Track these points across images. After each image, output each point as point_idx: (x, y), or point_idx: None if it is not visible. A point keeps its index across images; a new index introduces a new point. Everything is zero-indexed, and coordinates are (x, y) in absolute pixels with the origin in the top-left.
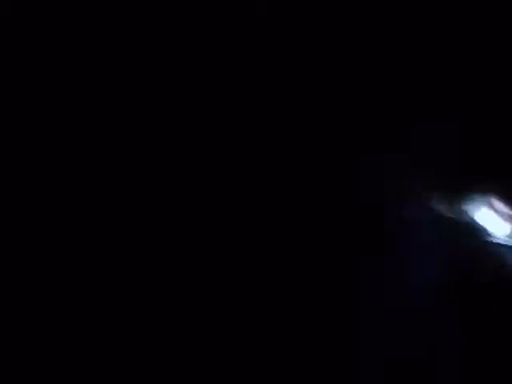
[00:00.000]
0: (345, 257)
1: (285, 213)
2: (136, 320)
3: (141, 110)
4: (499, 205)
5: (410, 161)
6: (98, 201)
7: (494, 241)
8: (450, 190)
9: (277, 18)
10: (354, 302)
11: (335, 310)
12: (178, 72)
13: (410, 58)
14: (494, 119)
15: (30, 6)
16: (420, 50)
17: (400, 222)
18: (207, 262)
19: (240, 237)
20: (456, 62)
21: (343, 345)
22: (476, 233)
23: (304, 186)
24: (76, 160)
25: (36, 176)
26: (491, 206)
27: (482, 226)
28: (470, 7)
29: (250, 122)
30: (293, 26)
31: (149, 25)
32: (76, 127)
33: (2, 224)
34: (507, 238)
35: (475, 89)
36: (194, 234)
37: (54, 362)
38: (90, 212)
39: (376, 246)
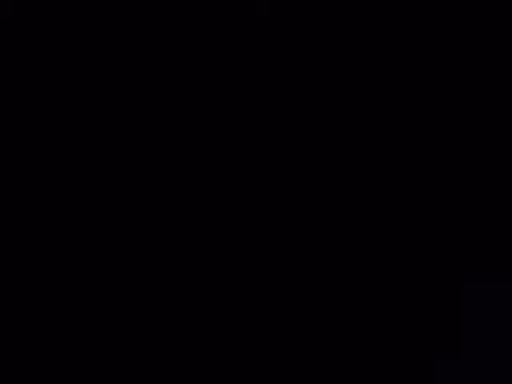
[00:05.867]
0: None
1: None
2: (136, 320)
3: (141, 110)
4: None
5: None
6: (97, 201)
7: None
8: None
9: (277, 18)
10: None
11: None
12: (178, 71)
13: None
14: None
15: (30, 6)
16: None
17: None
18: (207, 262)
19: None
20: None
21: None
22: None
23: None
24: (76, 160)
25: (36, 175)
26: None
27: None
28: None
29: (248, 120)
30: (293, 26)
31: (149, 24)
32: (76, 127)
33: (2, 224)
34: None
35: None
36: (195, 233)
37: (54, 362)
38: (89, 212)
39: None
